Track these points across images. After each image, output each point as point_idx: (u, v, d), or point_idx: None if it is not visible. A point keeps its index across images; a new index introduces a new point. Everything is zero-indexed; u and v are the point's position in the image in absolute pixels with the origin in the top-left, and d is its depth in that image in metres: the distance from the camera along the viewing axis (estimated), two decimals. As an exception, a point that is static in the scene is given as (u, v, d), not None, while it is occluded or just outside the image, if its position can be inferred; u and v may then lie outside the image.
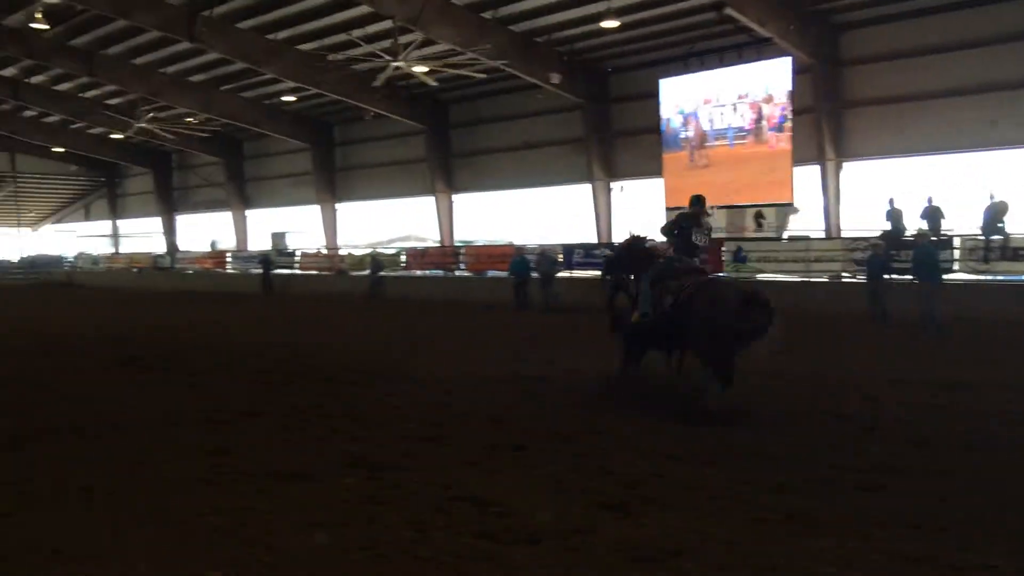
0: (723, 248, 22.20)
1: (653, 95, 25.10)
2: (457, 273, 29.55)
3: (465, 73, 23.60)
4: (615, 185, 28.70)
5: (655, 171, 25.66)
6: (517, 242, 28.84)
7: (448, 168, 33.06)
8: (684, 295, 8.17)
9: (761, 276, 21.03)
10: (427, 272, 30.71)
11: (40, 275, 44.37)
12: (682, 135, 24.38)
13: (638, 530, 4.77)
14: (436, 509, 5.04)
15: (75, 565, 4.21)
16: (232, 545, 4.47)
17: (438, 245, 33.18)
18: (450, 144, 33.10)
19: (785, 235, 22.77)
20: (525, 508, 5.04)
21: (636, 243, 9.96)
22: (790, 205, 22.52)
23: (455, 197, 33.63)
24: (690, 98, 24.01)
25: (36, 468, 6.06)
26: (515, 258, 22.72)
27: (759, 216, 22.88)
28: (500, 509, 5.03)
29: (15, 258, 48.55)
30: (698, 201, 9.27)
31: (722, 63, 23.30)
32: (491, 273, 28.06)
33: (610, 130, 28.14)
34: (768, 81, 22.11)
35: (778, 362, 9.19)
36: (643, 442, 6.85)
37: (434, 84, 25.00)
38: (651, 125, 25.65)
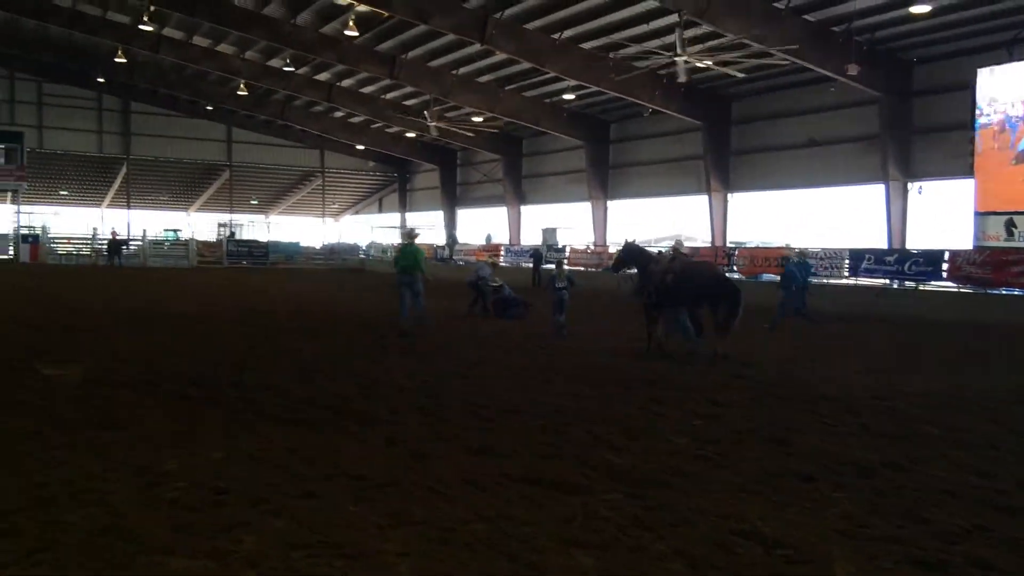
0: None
1: (965, 87, 22.38)
2: (728, 275, 28.27)
3: (763, 61, 22.30)
4: (913, 186, 26.05)
5: (963, 171, 22.93)
6: (795, 244, 27.11)
7: (725, 166, 31.85)
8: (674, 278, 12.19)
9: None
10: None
11: (337, 261, 48.72)
12: (1003, 131, 21.46)
13: (962, 598, 3.93)
14: (713, 543, 4.47)
15: (336, 560, 4.15)
16: (493, 557, 4.21)
17: (708, 246, 32.06)
18: (729, 141, 31.86)
19: None
20: (820, 554, 4.33)
21: (631, 246, 13.82)
22: None
23: (730, 196, 32.32)
24: (1014, 88, 21.07)
25: (316, 451, 6.24)
26: (796, 262, 21.21)
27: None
28: (790, 552, 4.35)
29: (318, 245, 53.81)
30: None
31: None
32: (766, 277, 26.53)
33: (910, 126, 25.59)
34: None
35: None
36: (959, 485, 5.79)
37: (740, 75, 23.81)
38: (961, 120, 22.95)
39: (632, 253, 13.61)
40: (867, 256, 23.32)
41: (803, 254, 22.00)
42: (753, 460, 6.32)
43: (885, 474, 6.01)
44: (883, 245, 25.52)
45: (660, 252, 14.25)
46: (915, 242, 25.49)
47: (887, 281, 23.18)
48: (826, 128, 28.46)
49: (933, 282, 21.86)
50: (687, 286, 12.12)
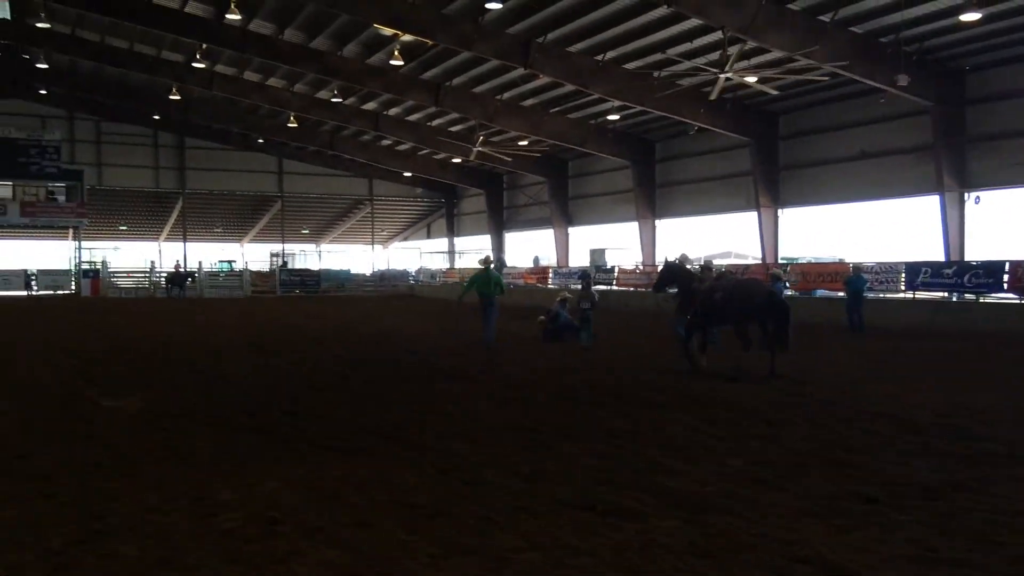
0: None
1: (1021, 94, 21.85)
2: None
3: (807, 77, 22.12)
4: (969, 196, 25.39)
5: (1022, 179, 22.32)
6: (848, 259, 26.65)
7: (774, 181, 31.47)
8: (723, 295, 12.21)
9: None
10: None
11: (388, 287, 49.17)
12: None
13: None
14: (774, 570, 4.34)
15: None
16: (547, 588, 4.15)
17: (759, 262, 31.63)
18: (778, 156, 31.49)
19: None
20: (886, 582, 4.19)
21: (672, 265, 13.68)
22: None
23: (781, 211, 31.89)
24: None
25: (368, 479, 6.24)
26: (851, 277, 20.85)
27: None
28: (854, 579, 4.22)
29: (368, 272, 54.38)
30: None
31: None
32: (820, 293, 26.06)
33: (964, 135, 24.97)
34: None
35: None
36: (1031, 506, 5.56)
37: (774, 92, 23.65)
38: (1018, 127, 22.47)
39: (673, 272, 13.57)
40: (924, 269, 22.73)
41: (858, 269, 21.63)
42: (813, 482, 6.15)
43: (952, 495, 5.81)
44: (940, 257, 24.89)
45: (703, 269, 14.16)
46: (974, 253, 24.82)
47: (945, 294, 22.60)
48: (877, 140, 27.96)
49: (994, 294, 21.23)
50: (736, 304, 11.96)
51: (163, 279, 43.37)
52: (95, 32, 34.78)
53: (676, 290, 13.74)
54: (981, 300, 21.50)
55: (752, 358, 11.84)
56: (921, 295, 22.98)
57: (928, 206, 26.54)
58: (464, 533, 4.96)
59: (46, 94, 44.61)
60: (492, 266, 17.30)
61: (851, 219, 32.69)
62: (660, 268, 14.23)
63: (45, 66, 37.64)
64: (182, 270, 44.65)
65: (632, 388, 10.88)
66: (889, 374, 12.42)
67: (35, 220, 42.71)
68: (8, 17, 34.04)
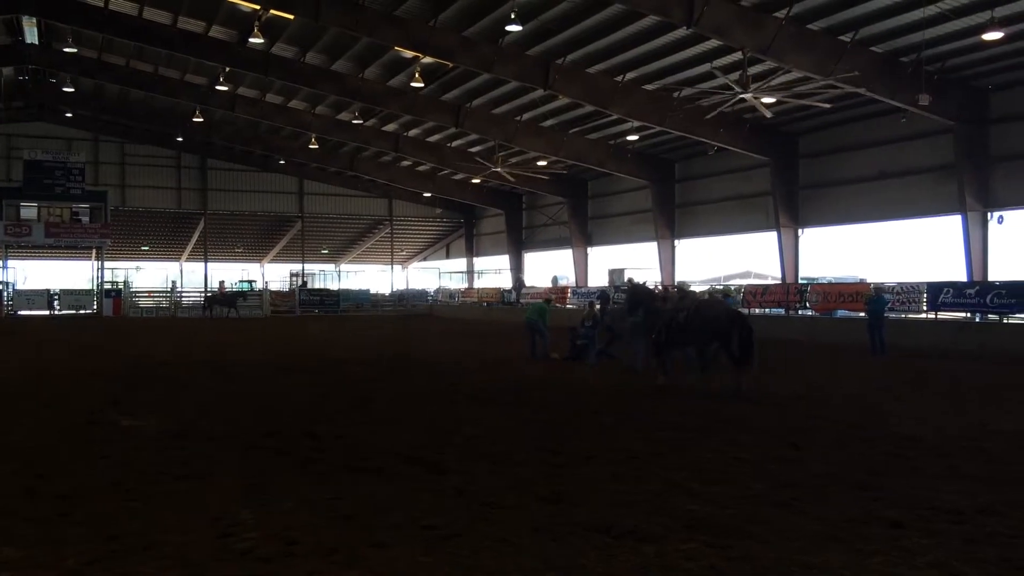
0: None
1: (1046, 112, 21.68)
2: (801, 312, 27.61)
3: (814, 104, 22.16)
4: (992, 216, 25.19)
5: (1047, 199, 22.12)
6: (869, 279, 26.44)
7: (794, 201, 31.39)
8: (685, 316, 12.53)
9: None
10: (767, 311, 28.84)
11: (407, 307, 49.28)
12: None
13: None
14: (797, 595, 4.28)
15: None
16: (566, 611, 4.10)
17: (779, 282, 31.46)
18: (797, 176, 31.43)
19: None
20: (911, 608, 4.10)
21: (638, 287, 14.77)
22: None
23: (801, 231, 31.75)
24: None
25: (386, 500, 6.21)
26: (872, 297, 20.67)
27: None
28: (878, 605, 4.14)
29: (387, 292, 54.52)
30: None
31: None
32: (841, 313, 25.84)
33: (987, 154, 24.80)
34: None
35: None
36: (1059, 531, 5.45)
37: (769, 115, 23.70)
38: (1043, 146, 22.20)
39: (639, 293, 14.20)
40: (946, 289, 22.52)
41: (879, 289, 21.46)
42: (836, 506, 6.06)
43: (978, 519, 5.71)
44: (963, 277, 24.65)
45: (669, 289, 14.64)
46: (998, 274, 24.57)
47: (967, 315, 22.36)
48: (898, 159, 27.84)
49: (1018, 315, 20.99)
50: (698, 324, 12.06)
51: (207, 298, 43.24)
52: (121, 56, 35.37)
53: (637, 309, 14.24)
54: (1005, 320, 21.25)
55: (765, 379, 11.81)
56: (943, 315, 22.77)
57: (950, 226, 26.35)
58: (482, 555, 4.91)
59: (72, 117, 45.37)
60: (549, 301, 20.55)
61: (872, 239, 32.53)
62: (626, 290, 14.75)
63: (71, 90, 38.32)
64: (228, 290, 44.70)
65: (652, 411, 10.80)
66: (912, 396, 12.29)
67: (59, 240, 43.18)
68: (36, 42, 34.68)
